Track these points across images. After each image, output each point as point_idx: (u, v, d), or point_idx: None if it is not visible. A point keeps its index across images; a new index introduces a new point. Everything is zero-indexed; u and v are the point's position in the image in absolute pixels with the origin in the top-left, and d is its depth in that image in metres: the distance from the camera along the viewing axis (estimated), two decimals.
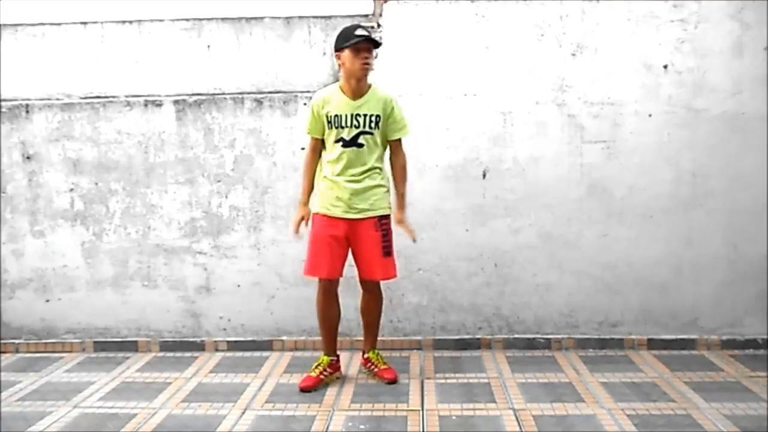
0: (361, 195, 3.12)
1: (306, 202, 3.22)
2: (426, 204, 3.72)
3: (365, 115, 3.08)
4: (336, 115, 3.08)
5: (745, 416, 2.83)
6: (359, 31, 3.01)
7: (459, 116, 3.67)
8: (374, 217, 3.15)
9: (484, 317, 3.78)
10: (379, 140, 3.14)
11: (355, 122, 3.08)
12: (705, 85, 3.61)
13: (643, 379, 3.28)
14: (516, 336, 3.78)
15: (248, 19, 3.76)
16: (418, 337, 3.81)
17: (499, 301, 3.77)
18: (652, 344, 3.72)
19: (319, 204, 3.17)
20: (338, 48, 3.05)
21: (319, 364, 3.27)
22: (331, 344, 3.30)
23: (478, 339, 3.78)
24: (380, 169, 3.18)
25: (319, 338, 3.77)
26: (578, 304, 3.75)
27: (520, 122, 3.68)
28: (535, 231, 3.73)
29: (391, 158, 3.24)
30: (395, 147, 3.21)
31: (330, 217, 3.14)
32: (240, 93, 3.78)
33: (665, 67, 3.62)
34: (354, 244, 3.17)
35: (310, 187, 3.23)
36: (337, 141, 3.10)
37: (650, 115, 3.64)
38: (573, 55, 3.64)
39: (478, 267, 3.76)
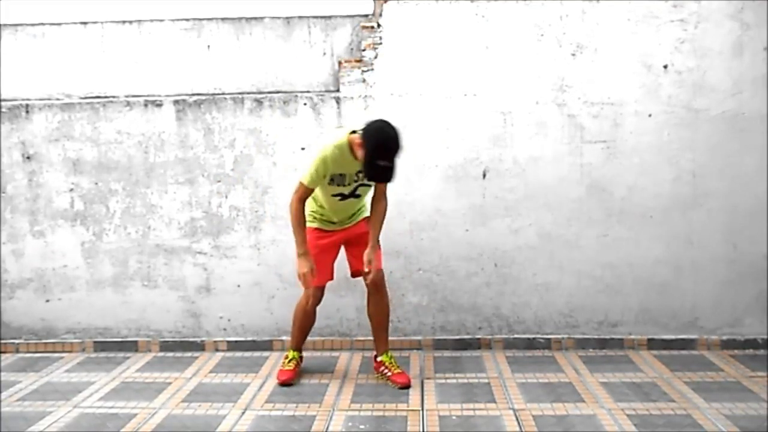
0: (353, 215, 3.27)
1: (307, 253, 3.10)
2: (426, 204, 3.72)
3: None
4: (340, 174, 3.03)
5: (745, 416, 2.83)
6: (383, 162, 2.83)
7: (459, 116, 3.67)
8: (365, 217, 3.27)
9: (484, 317, 3.78)
10: (371, 187, 3.16)
11: (355, 178, 3.07)
12: (705, 85, 3.61)
13: (643, 379, 3.28)
14: (516, 336, 3.78)
15: (248, 19, 3.76)
16: (418, 337, 3.81)
17: (499, 301, 3.77)
18: (652, 344, 3.72)
19: (311, 219, 3.22)
20: (363, 142, 2.87)
21: (292, 359, 3.39)
22: (302, 341, 3.46)
23: (478, 339, 3.78)
24: None
25: (320, 338, 3.80)
26: (578, 304, 3.75)
27: (520, 122, 3.68)
28: (535, 231, 3.73)
29: (373, 200, 3.20)
30: (380, 191, 3.18)
31: (325, 230, 3.24)
32: (240, 93, 3.78)
33: (665, 67, 3.62)
34: (351, 245, 3.27)
35: (305, 237, 3.12)
36: (335, 195, 3.10)
37: (650, 115, 3.64)
38: (573, 55, 3.64)
39: (478, 267, 3.76)
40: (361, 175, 3.04)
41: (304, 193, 3.07)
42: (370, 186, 3.14)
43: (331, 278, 3.32)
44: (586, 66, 3.64)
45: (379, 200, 3.19)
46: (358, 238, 3.24)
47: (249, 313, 3.84)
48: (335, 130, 3.16)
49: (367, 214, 3.29)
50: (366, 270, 3.13)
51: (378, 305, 3.30)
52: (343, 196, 3.12)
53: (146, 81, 3.81)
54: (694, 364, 3.49)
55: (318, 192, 3.13)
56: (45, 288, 3.89)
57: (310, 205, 3.19)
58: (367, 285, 3.26)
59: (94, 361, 3.73)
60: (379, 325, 3.34)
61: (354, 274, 3.33)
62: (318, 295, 3.29)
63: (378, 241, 3.21)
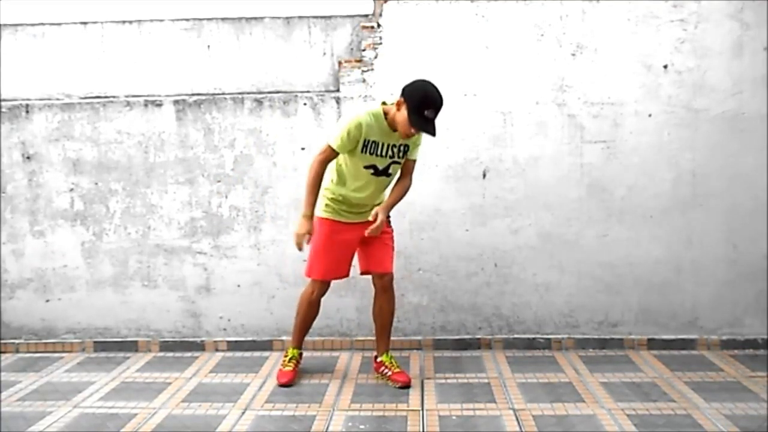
0: (375, 202, 3.19)
1: (312, 216, 3.07)
2: (426, 204, 3.72)
3: (399, 146, 3.06)
4: (374, 142, 2.98)
5: (745, 416, 2.83)
6: (429, 113, 2.86)
7: (459, 116, 3.67)
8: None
9: (484, 317, 3.78)
10: (400, 166, 3.15)
11: (390, 152, 3.04)
12: (705, 85, 3.61)
13: (643, 379, 3.28)
14: (516, 336, 3.78)
15: (248, 19, 3.76)
16: (418, 337, 3.81)
17: (499, 301, 3.77)
18: (652, 344, 3.72)
19: (330, 210, 3.15)
20: (405, 99, 2.89)
21: (292, 358, 3.37)
22: (303, 339, 3.42)
23: (478, 339, 3.78)
24: None
25: (320, 338, 3.80)
26: (578, 304, 3.75)
27: (520, 122, 3.68)
28: (535, 231, 3.73)
29: (399, 177, 3.19)
30: (408, 169, 3.18)
31: (344, 222, 3.16)
32: (240, 93, 3.78)
33: (665, 67, 3.62)
34: (368, 242, 3.18)
35: (316, 200, 3.09)
36: (367, 167, 3.04)
37: (650, 115, 3.64)
38: (573, 55, 3.64)
39: (478, 267, 3.76)
40: (395, 149, 3.03)
41: (329, 156, 3.02)
42: (400, 164, 3.10)
43: (346, 275, 3.27)
44: (586, 66, 3.64)
45: (405, 176, 3.18)
46: (379, 236, 3.15)
47: (249, 313, 3.84)
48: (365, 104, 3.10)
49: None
50: (371, 219, 3.04)
51: (384, 307, 3.29)
52: (376, 171, 3.05)
53: (146, 81, 3.81)
54: (694, 364, 3.49)
55: (347, 165, 3.05)
56: (45, 288, 3.89)
57: (329, 191, 3.13)
58: (375, 283, 3.26)
59: (94, 361, 3.73)
60: (383, 327, 3.33)
61: (363, 273, 3.30)
62: (324, 287, 3.28)
63: (391, 207, 3.13)
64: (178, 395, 3.18)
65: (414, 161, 3.18)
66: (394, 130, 2.99)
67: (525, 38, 3.64)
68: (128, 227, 3.83)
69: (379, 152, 3.01)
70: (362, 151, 3.00)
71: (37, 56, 3.83)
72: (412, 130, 2.92)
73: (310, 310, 3.32)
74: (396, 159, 3.08)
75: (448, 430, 2.73)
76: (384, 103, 3.04)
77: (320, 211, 3.17)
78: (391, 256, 3.24)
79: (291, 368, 3.33)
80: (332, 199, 3.14)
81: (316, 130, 3.72)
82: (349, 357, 3.68)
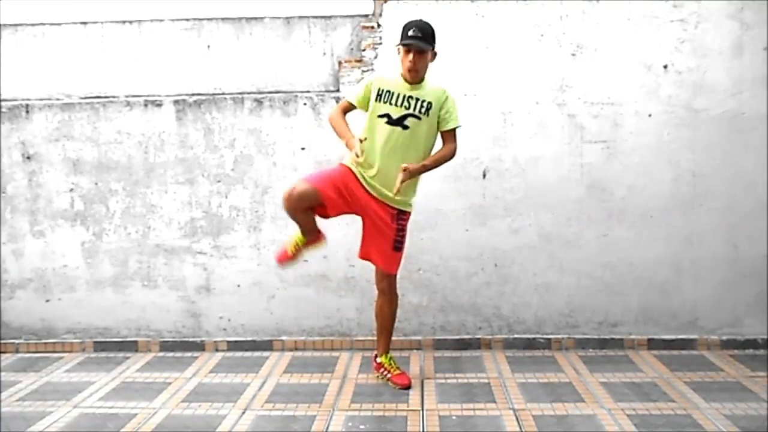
0: (393, 182, 3.03)
1: (353, 136, 3.01)
2: (426, 204, 3.71)
3: (417, 99, 3.05)
4: (388, 91, 3.06)
5: (745, 416, 2.83)
6: (411, 32, 3.00)
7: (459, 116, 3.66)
8: (394, 209, 3.12)
9: (484, 317, 3.78)
10: (425, 129, 3.07)
11: (405, 103, 3.05)
12: (705, 85, 3.61)
13: (643, 379, 3.28)
14: (516, 336, 3.78)
15: (248, 19, 3.76)
16: (418, 337, 3.81)
17: (499, 301, 3.77)
18: (652, 344, 3.72)
19: (353, 165, 3.09)
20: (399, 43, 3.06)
21: (296, 243, 3.21)
22: (310, 227, 3.17)
23: (478, 339, 3.78)
24: None
25: (320, 338, 3.80)
26: (578, 304, 3.75)
27: (520, 122, 3.68)
28: (535, 231, 3.73)
29: (442, 147, 3.16)
30: (447, 138, 3.15)
31: (360, 183, 3.08)
32: (240, 93, 3.78)
33: (665, 67, 3.62)
34: (366, 220, 3.15)
35: (348, 127, 3.10)
36: (381, 116, 3.05)
37: (650, 115, 3.64)
38: (573, 55, 3.64)
39: (478, 267, 3.76)
40: (412, 101, 3.04)
41: (345, 107, 3.18)
42: (419, 119, 3.03)
43: (327, 214, 3.10)
44: (586, 66, 3.64)
45: (448, 144, 3.15)
46: (377, 226, 3.10)
47: (249, 313, 3.84)
48: None
49: (406, 198, 3.13)
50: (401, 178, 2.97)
51: (384, 308, 3.29)
52: (390, 120, 3.04)
53: (146, 81, 3.81)
54: (694, 364, 3.49)
55: (367, 121, 3.07)
56: (45, 288, 3.89)
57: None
58: (376, 284, 3.26)
59: (94, 361, 3.73)
60: (382, 327, 3.33)
61: (362, 258, 3.24)
62: (306, 191, 2.97)
63: (425, 167, 3.07)
64: (178, 395, 3.18)
65: (450, 132, 3.13)
66: (410, 84, 3.06)
67: (525, 38, 3.64)
68: (128, 227, 3.83)
69: (393, 101, 3.05)
70: (377, 100, 3.07)
71: (37, 56, 3.84)
72: (409, 60, 2.99)
73: (291, 207, 3.04)
74: (413, 112, 3.04)
75: (448, 430, 2.73)
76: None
77: (344, 161, 3.15)
78: (387, 254, 3.15)
79: (293, 252, 3.23)
80: (357, 163, 3.06)
81: (316, 130, 3.72)
82: (349, 357, 3.68)
